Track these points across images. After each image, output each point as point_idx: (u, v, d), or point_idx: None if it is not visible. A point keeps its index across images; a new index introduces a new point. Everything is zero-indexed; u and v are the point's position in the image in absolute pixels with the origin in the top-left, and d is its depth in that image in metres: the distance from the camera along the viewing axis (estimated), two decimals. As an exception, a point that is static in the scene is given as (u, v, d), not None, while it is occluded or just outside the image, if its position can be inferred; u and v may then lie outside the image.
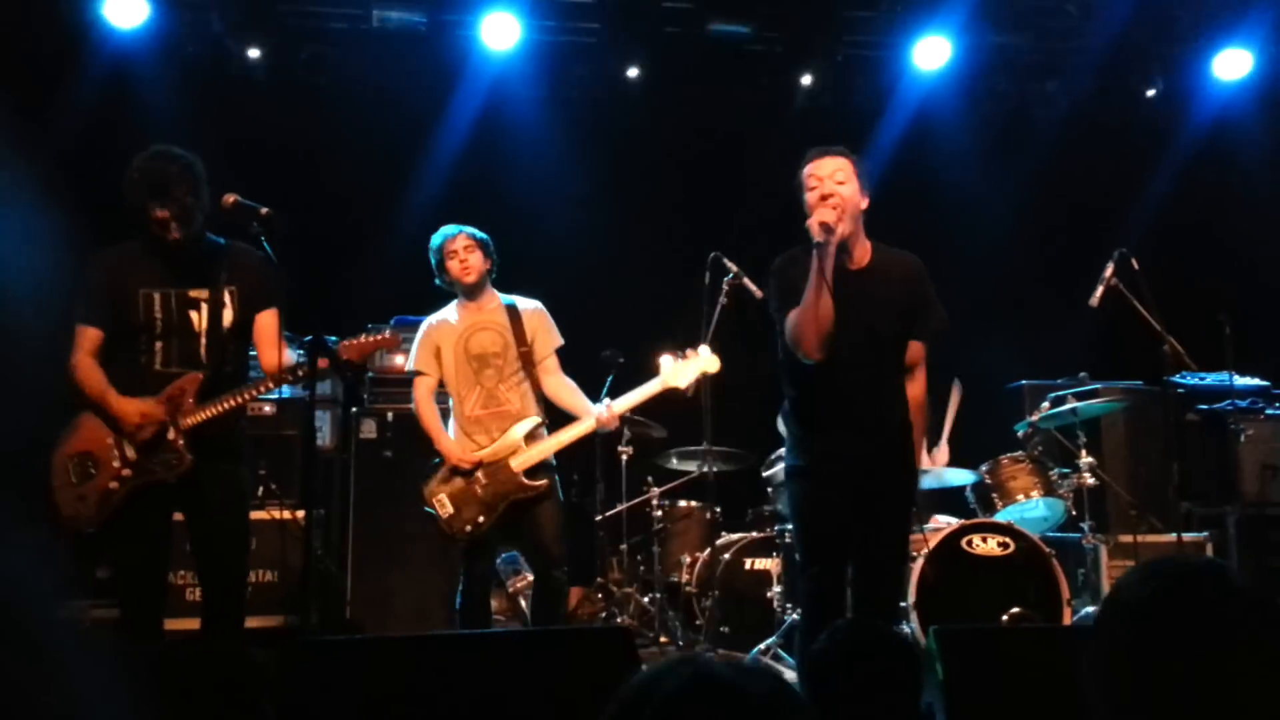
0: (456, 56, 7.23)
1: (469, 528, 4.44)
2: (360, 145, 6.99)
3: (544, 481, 4.47)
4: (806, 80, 7.64)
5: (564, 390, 4.68)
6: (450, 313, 4.70)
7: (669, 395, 4.70)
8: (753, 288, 5.44)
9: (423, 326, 4.73)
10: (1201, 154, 7.77)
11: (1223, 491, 6.39)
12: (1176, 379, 6.13)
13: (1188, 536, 6.13)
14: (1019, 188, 7.75)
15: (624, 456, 6.32)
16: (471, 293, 4.64)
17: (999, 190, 7.75)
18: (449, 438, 4.55)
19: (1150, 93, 7.89)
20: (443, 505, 4.46)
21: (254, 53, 6.96)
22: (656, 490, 6.41)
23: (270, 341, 3.82)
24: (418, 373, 4.63)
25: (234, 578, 3.84)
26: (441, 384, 4.65)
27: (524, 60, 7.33)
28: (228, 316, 3.76)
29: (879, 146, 7.84)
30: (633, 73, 7.63)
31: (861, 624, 3.52)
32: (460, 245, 4.59)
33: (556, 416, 4.74)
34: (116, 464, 3.67)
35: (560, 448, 4.55)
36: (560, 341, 4.75)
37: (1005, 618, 4.86)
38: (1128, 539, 6.05)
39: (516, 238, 7.36)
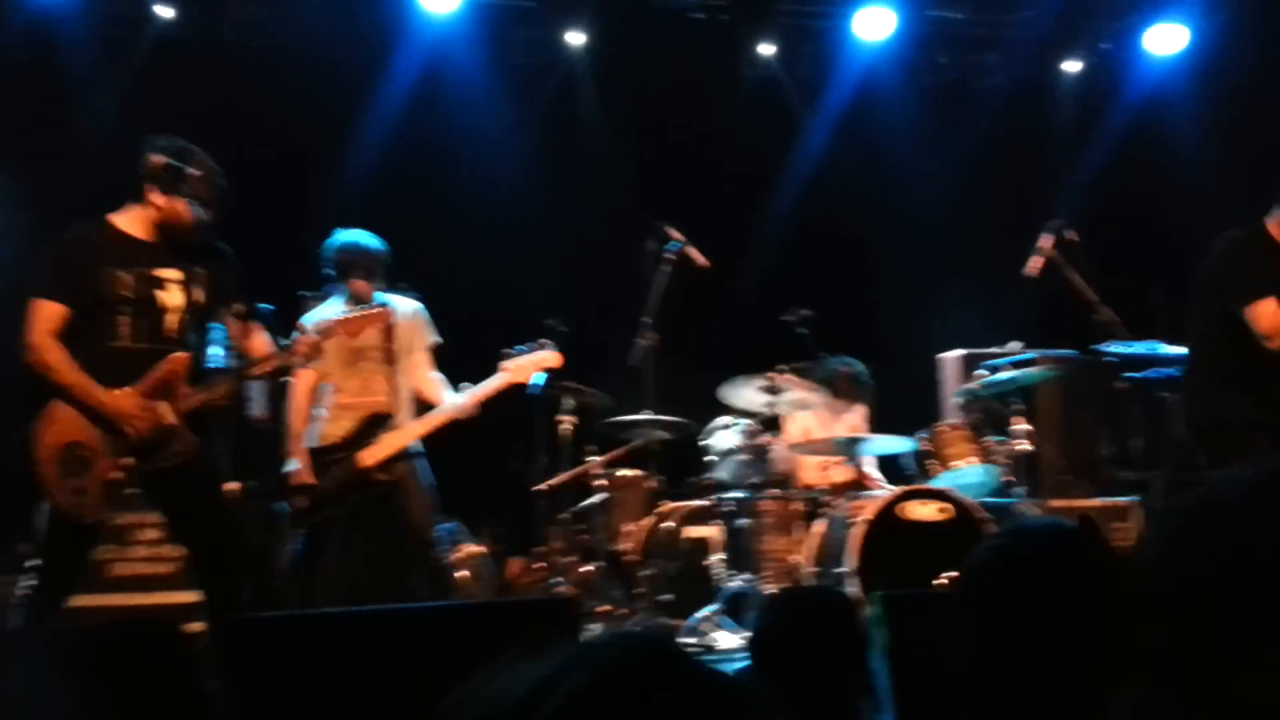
0: (395, 19, 7.09)
1: (323, 519, 4.66)
2: (296, 109, 6.83)
3: (395, 476, 4.63)
4: (752, 49, 7.63)
5: (429, 384, 4.86)
6: (332, 309, 4.74)
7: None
8: (697, 256, 5.43)
9: (308, 325, 4.74)
10: (1137, 127, 7.90)
11: (1151, 456, 6.55)
12: (1107, 348, 6.25)
13: (1117, 500, 6.28)
14: (959, 160, 7.82)
15: (565, 426, 6.30)
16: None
17: (940, 162, 7.82)
18: (304, 451, 4.69)
19: (1085, 67, 7.99)
20: (297, 504, 4.66)
21: (179, 13, 6.77)
22: (598, 459, 6.40)
23: (243, 333, 3.88)
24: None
25: (232, 552, 3.75)
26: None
27: (465, 24, 7.21)
28: (198, 297, 3.72)
29: (824, 116, 7.87)
30: (576, 39, 7.56)
31: (805, 592, 3.55)
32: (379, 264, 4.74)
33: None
34: (114, 453, 3.55)
35: (413, 439, 4.70)
36: (435, 340, 4.92)
37: (942, 581, 4.92)
38: (1060, 503, 6.19)
39: (459, 206, 7.29)
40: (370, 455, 4.62)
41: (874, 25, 7.46)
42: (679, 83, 7.65)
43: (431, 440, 4.80)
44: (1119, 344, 6.14)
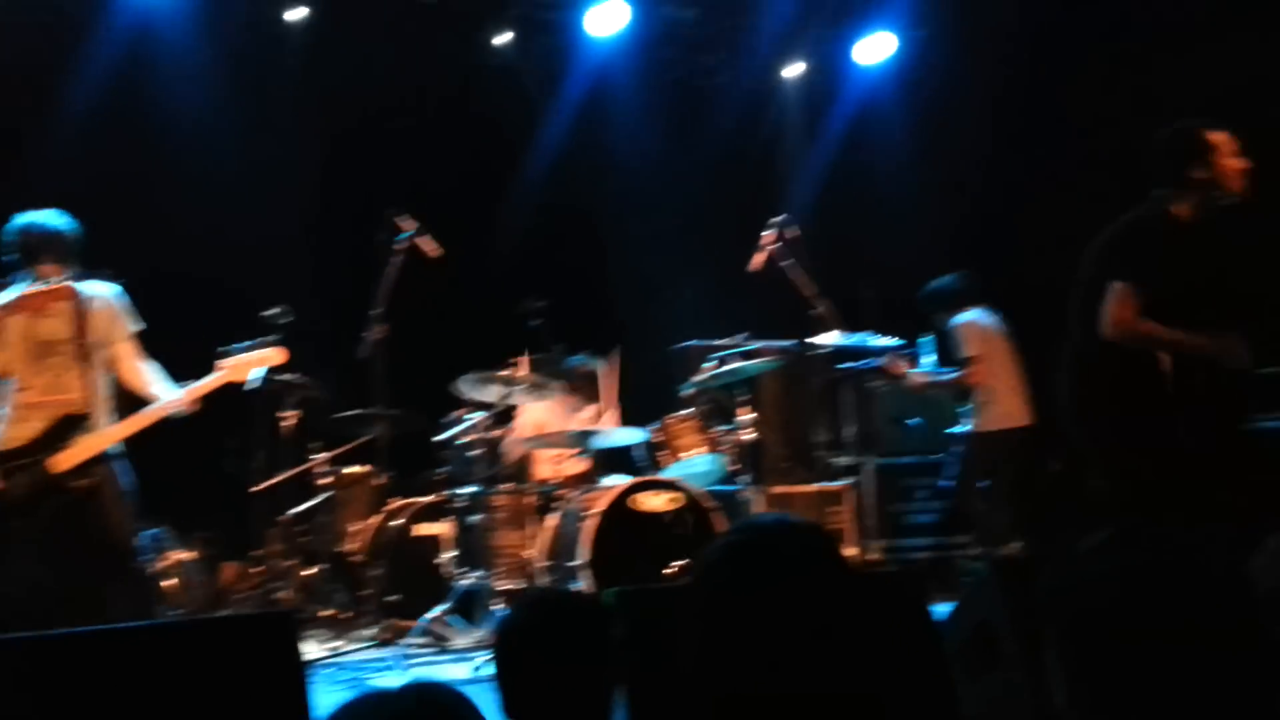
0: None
1: (7, 531, 4.16)
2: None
3: (91, 480, 4.22)
4: (487, 37, 7.53)
5: (138, 377, 4.45)
6: (12, 295, 4.23)
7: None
8: (428, 246, 5.29)
9: None
10: (852, 131, 8.39)
11: (862, 443, 6.97)
12: (823, 339, 6.61)
13: (831, 485, 6.66)
14: (692, 156, 8.03)
15: (287, 421, 5.98)
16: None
17: (673, 158, 8.00)
18: None
19: (805, 72, 8.40)
20: None
21: None
22: (322, 456, 6.13)
23: None
24: None
25: None
26: None
27: (177, -1, 6.74)
28: None
29: (562, 109, 7.87)
30: (296, 15, 7.20)
31: (547, 593, 3.52)
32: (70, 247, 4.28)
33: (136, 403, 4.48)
34: None
35: (117, 440, 4.31)
36: (135, 327, 4.48)
37: (672, 569, 5.03)
38: (780, 489, 6.49)
39: (171, 190, 6.78)
40: (63, 459, 4.19)
41: (606, 21, 7.53)
42: (413, 70, 7.43)
43: (137, 440, 4.40)
44: (834, 336, 6.51)
